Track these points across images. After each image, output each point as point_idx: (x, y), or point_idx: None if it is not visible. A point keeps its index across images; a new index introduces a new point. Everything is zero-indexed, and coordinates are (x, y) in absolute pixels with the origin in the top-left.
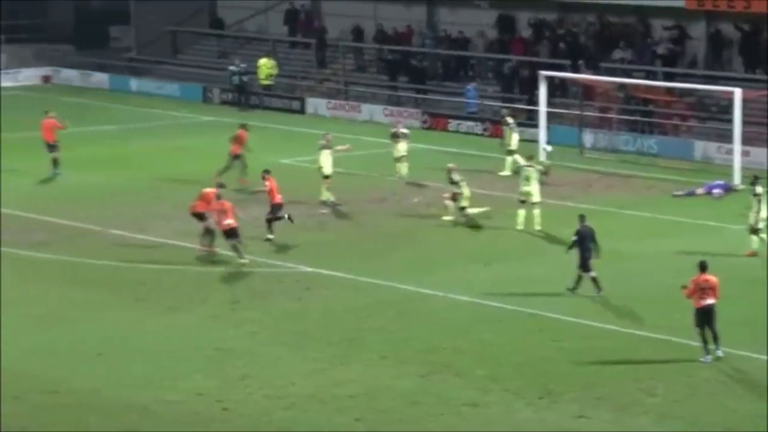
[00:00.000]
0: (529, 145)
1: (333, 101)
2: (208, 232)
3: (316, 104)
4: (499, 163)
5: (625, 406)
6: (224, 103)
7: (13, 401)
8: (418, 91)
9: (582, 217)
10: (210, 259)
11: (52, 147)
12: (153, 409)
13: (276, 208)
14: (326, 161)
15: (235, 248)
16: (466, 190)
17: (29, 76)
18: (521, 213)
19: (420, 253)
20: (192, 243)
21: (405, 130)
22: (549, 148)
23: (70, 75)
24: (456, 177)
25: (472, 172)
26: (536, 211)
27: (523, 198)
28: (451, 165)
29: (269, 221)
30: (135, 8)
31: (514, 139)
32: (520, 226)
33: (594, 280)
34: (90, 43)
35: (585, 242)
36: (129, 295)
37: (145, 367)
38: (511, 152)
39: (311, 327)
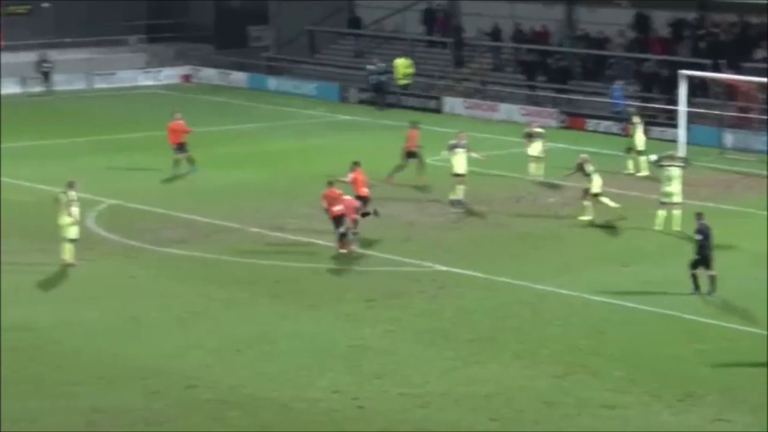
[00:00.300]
0: (668, 144)
1: (470, 100)
2: (344, 233)
3: (452, 103)
4: (629, 162)
5: (765, 409)
6: (361, 102)
7: (152, 396)
8: (556, 90)
9: (699, 215)
10: (347, 257)
11: (180, 148)
12: (290, 406)
13: (361, 200)
14: (459, 160)
15: (342, 235)
16: (597, 180)
17: (169, 75)
18: (661, 214)
19: (556, 252)
20: (329, 241)
21: (539, 130)
22: (654, 157)
23: (209, 74)
24: (589, 168)
25: (611, 174)
26: (677, 212)
27: (664, 199)
28: (583, 155)
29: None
30: (274, 8)
31: (642, 139)
32: (658, 227)
33: (712, 279)
34: (229, 43)
35: (707, 240)
36: (266, 293)
37: (283, 364)
38: (640, 152)
39: (446, 326)
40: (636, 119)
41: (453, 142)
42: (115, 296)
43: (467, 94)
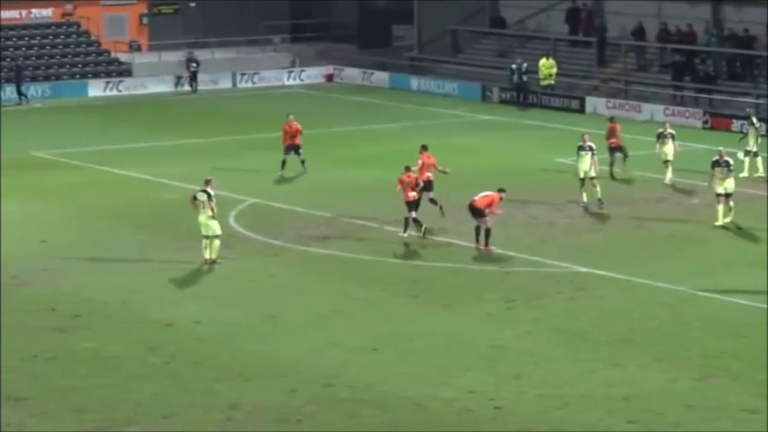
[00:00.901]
0: None
1: (613, 100)
2: (482, 231)
3: (595, 103)
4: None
5: None
6: (503, 102)
7: (290, 394)
8: (701, 90)
9: None
10: (485, 257)
11: (293, 149)
12: (426, 405)
13: (426, 185)
14: (585, 163)
15: (412, 221)
16: (731, 181)
17: (312, 74)
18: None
19: (698, 255)
20: (467, 241)
21: (671, 131)
22: (741, 155)
23: (352, 74)
24: (730, 161)
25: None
26: None
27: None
28: (720, 149)
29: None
30: (418, 7)
31: (757, 139)
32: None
33: None
34: (372, 42)
35: None
36: (404, 292)
37: (419, 363)
38: (755, 154)
39: (585, 327)
40: (755, 119)
41: (579, 144)
42: (255, 294)
43: (610, 94)
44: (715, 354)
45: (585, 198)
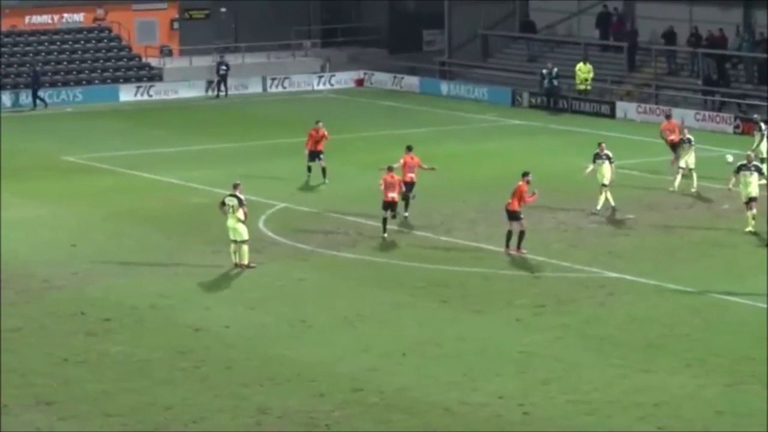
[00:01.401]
0: None
1: (643, 105)
2: (515, 234)
3: (625, 108)
4: None
5: None
6: (532, 106)
7: (319, 398)
8: (732, 95)
9: None
10: (515, 263)
11: (319, 155)
12: (455, 411)
13: (407, 186)
14: (606, 170)
15: (385, 221)
16: (755, 186)
17: (342, 79)
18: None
19: (729, 260)
20: (497, 246)
21: (689, 135)
22: (730, 158)
23: (382, 78)
24: (760, 166)
25: None
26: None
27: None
28: (750, 153)
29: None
30: (449, 12)
31: (764, 146)
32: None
33: None
34: (403, 47)
35: None
36: (433, 297)
37: (449, 368)
38: (761, 160)
39: (615, 333)
40: (763, 125)
41: (596, 152)
42: (284, 299)
43: (641, 99)
44: (745, 360)
45: (602, 204)
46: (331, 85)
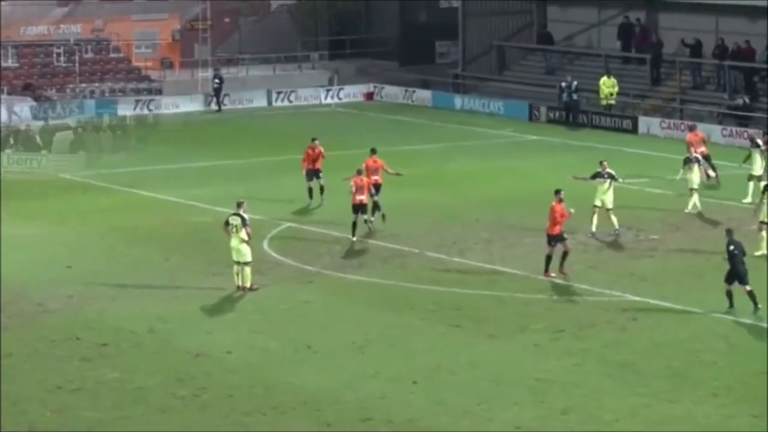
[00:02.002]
0: None
1: (667, 120)
2: (557, 256)
3: (648, 123)
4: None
5: None
6: (550, 121)
7: (326, 428)
8: (761, 109)
9: (729, 231)
10: (531, 285)
11: (317, 174)
12: None
13: (374, 188)
14: (604, 192)
15: (354, 225)
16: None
17: (351, 92)
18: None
19: (754, 284)
20: (513, 269)
21: (696, 154)
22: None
23: (392, 92)
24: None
25: None
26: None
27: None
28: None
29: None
30: (463, 22)
31: (759, 164)
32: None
33: (751, 294)
34: (414, 59)
35: (739, 256)
36: (445, 321)
37: (463, 396)
38: (755, 177)
39: (637, 359)
40: (760, 141)
41: (597, 170)
42: (289, 323)
43: (665, 114)
44: None
45: (594, 227)
46: (340, 98)
